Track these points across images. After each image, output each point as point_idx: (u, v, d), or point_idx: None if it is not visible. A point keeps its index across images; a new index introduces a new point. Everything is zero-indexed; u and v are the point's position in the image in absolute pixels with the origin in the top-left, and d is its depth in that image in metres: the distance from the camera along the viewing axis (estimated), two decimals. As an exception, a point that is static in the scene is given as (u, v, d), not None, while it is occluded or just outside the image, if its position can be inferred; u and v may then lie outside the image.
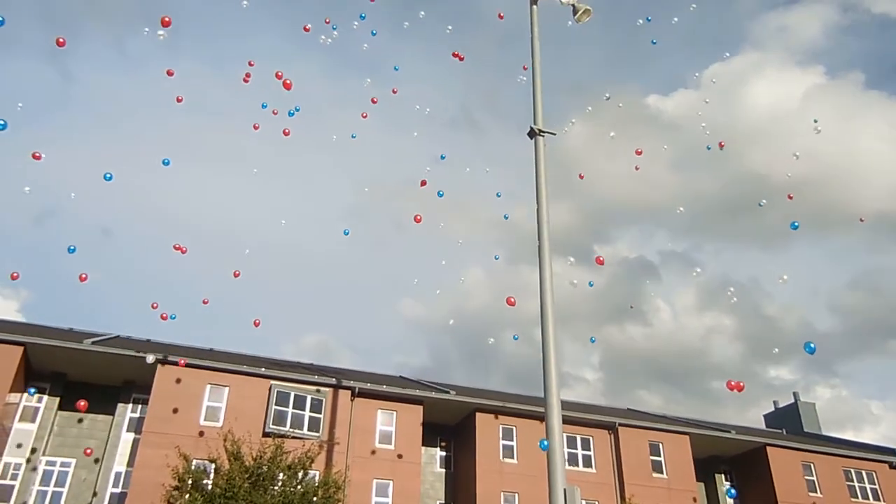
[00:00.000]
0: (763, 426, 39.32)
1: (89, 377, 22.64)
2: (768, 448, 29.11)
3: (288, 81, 15.50)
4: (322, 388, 23.56)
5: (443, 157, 19.10)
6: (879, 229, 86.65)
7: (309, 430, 22.66)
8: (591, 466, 26.49)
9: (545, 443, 9.88)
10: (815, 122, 17.79)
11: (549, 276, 11.93)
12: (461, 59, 17.49)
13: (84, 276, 15.36)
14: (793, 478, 28.80)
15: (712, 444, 29.31)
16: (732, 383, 13.63)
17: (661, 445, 27.74)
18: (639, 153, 18.79)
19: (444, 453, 26.96)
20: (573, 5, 13.43)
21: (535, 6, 13.85)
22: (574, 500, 9.65)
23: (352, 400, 23.89)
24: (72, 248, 15.51)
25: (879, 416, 77.73)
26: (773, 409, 40.68)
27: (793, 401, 39.17)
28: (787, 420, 38.48)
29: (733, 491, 26.96)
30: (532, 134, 13.54)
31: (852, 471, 30.16)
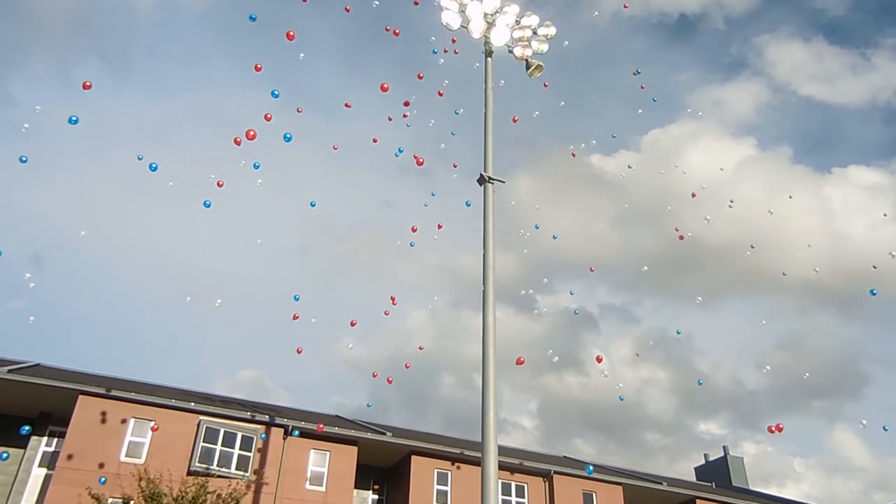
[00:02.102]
0: (694, 479, 39.92)
1: (2, 407, 21.30)
2: (698, 501, 29.48)
3: (252, 134, 14.89)
4: (255, 426, 22.78)
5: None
6: (805, 295, 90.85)
7: (237, 468, 21.78)
8: (524, 515, 26.23)
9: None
10: (731, 202, 18.95)
11: (492, 322, 11.96)
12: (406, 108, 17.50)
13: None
14: (720, 531, 29.18)
15: (644, 495, 29.50)
16: (773, 427, 14.86)
17: (594, 495, 27.75)
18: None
19: (376, 496, 26.28)
20: (526, 60, 13.83)
21: (489, 58, 14.22)
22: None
23: (284, 439, 23.15)
24: None
25: (802, 474, 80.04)
26: (703, 462, 41.42)
27: (722, 454, 40.00)
28: (717, 473, 39.20)
29: None
30: (482, 181, 13.77)
31: (777, 526, 30.80)
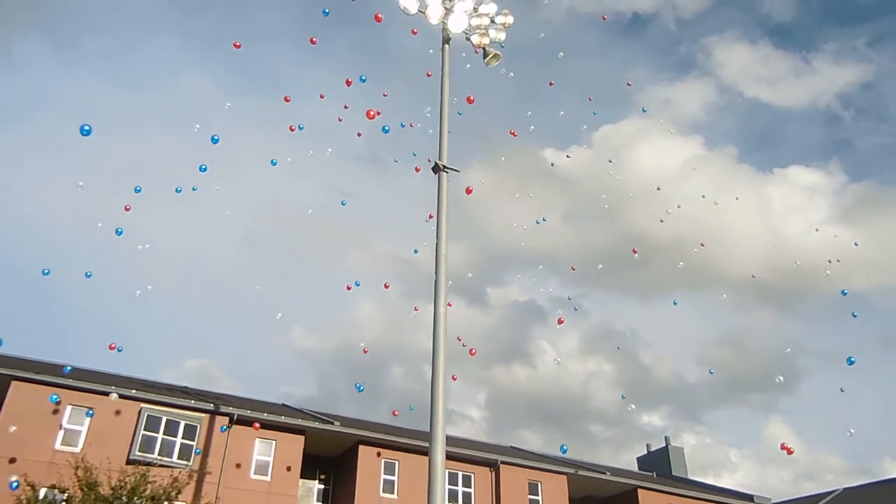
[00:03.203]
0: (636, 469, 40.90)
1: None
2: (639, 490, 30.24)
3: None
4: (198, 414, 22.27)
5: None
6: (745, 292, 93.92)
7: (179, 458, 21.28)
8: (470, 503, 26.45)
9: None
10: (679, 206, 19.55)
11: (443, 311, 11.93)
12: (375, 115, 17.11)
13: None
14: (660, 519, 30.00)
15: (588, 484, 30.09)
16: (786, 445, 16.09)
17: (539, 484, 28.15)
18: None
19: (322, 486, 26.07)
20: (484, 48, 13.78)
21: (447, 45, 14.12)
22: (451, 539, 9.56)
23: (229, 427, 22.70)
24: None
25: (737, 464, 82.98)
26: (645, 452, 42.48)
27: (664, 445, 41.09)
28: (658, 463, 40.26)
29: None
30: (436, 169, 13.70)
31: (713, 514, 31.84)
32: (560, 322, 16.93)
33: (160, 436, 21.28)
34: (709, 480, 38.89)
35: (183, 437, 21.65)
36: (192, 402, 22.42)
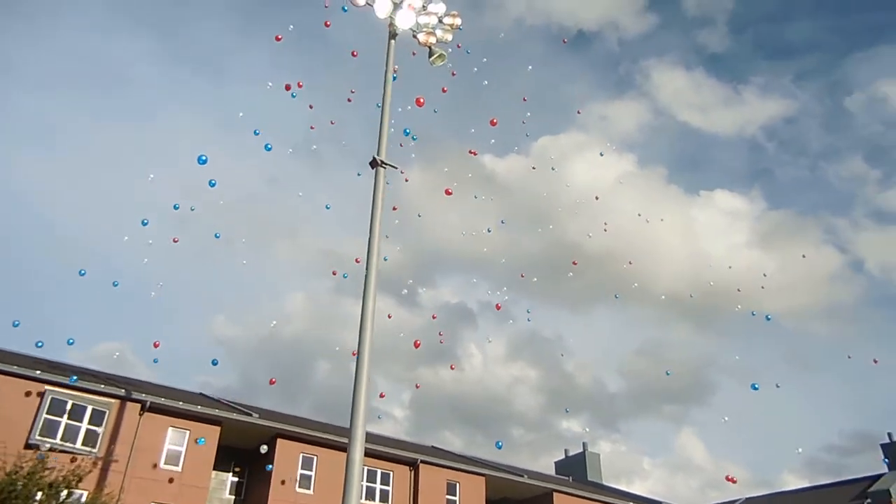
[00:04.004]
0: (553, 473, 41.70)
1: None
2: (555, 493, 30.81)
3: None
4: (108, 399, 21.27)
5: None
6: (667, 307, 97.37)
7: (84, 444, 20.27)
8: (387, 502, 26.29)
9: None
10: (605, 224, 20.53)
11: (371, 307, 11.78)
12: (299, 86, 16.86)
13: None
14: (572, 523, 30.64)
15: (506, 486, 30.44)
16: (730, 476, 17.97)
17: (458, 485, 28.29)
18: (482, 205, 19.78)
19: (236, 479, 25.39)
20: (430, 47, 13.67)
21: (392, 40, 13.95)
22: (363, 538, 9.43)
23: (140, 414, 21.80)
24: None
25: (649, 472, 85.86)
26: (563, 457, 43.38)
27: (582, 450, 42.06)
28: (575, 468, 41.19)
29: None
30: (374, 164, 13.52)
31: (623, 519, 32.78)
32: (498, 308, 17.39)
33: (64, 420, 20.22)
34: (622, 486, 40.07)
35: (89, 423, 20.64)
36: (102, 387, 21.40)
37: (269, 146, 17.29)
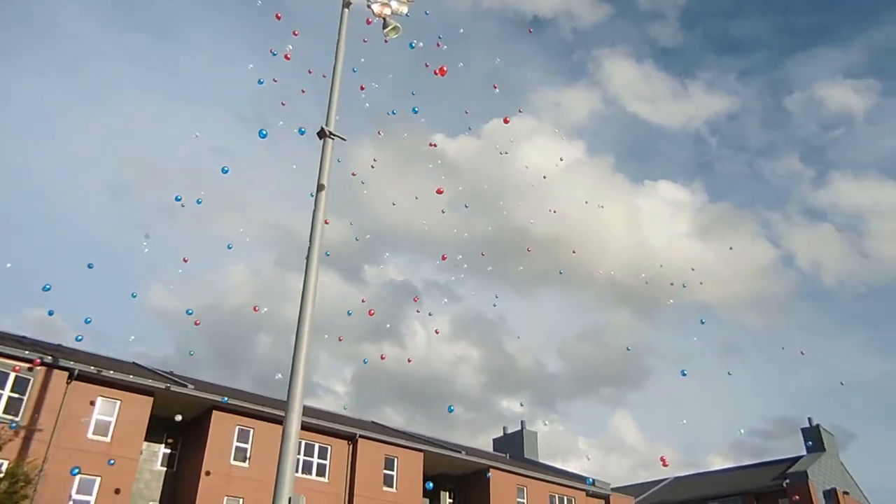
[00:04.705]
0: (491, 450, 42.36)
1: None
2: (491, 469, 31.29)
3: None
4: (32, 366, 20.39)
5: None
6: (608, 293, 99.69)
7: (5, 412, 19.42)
8: (324, 476, 26.20)
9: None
10: (553, 209, 21.10)
11: (313, 279, 11.54)
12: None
13: None
14: (507, 499, 31.24)
15: (444, 462, 30.74)
16: (662, 459, 17.91)
17: (395, 460, 28.40)
18: (440, 192, 19.51)
19: (168, 451, 24.81)
20: (384, 19, 13.33)
21: (346, 9, 13.55)
22: (297, 510, 9.26)
23: (68, 383, 20.99)
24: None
25: (584, 451, 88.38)
26: (501, 434, 44.11)
27: (520, 429, 42.83)
28: (513, 446, 41.95)
29: None
30: (322, 135, 13.18)
31: (556, 496, 33.60)
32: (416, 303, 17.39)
33: (-15, 387, 19.31)
34: (557, 464, 41.00)
35: (11, 391, 19.76)
36: (27, 353, 20.47)
37: (264, 133, 16.82)
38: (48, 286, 15.20)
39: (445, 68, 15.52)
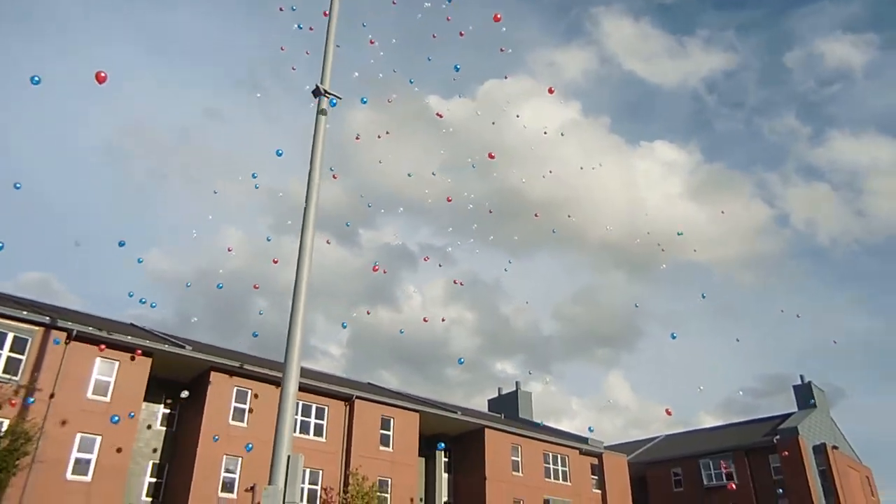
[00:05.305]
0: (486, 410, 42.96)
1: None
2: (486, 430, 31.80)
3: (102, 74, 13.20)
4: (31, 326, 20.45)
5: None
6: (604, 255, 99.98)
7: (5, 372, 19.55)
8: (321, 436, 26.59)
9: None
10: (550, 171, 21.02)
11: (310, 239, 11.54)
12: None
13: None
14: (502, 457, 31.84)
15: (440, 422, 31.20)
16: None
17: (392, 420, 28.80)
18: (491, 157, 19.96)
19: (168, 411, 25.11)
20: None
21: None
22: (296, 467, 9.44)
23: (67, 343, 21.09)
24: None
25: (577, 411, 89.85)
26: (496, 395, 44.68)
27: (514, 389, 43.38)
28: (507, 406, 42.54)
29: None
30: (317, 93, 13.04)
31: (550, 454, 34.24)
32: (426, 259, 17.66)
33: (-17, 347, 19.38)
34: (550, 424, 41.66)
35: (11, 350, 19.85)
36: (25, 314, 20.53)
37: (281, 151, 17.69)
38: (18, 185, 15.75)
39: (499, 15, 16.18)
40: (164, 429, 24.74)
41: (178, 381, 25.17)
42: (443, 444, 24.33)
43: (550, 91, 19.40)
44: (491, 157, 20.67)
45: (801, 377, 44.25)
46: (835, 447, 40.41)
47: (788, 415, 43.14)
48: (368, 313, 28.56)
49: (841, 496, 38.15)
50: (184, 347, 23.89)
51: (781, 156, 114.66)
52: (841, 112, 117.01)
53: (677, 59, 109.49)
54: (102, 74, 13.17)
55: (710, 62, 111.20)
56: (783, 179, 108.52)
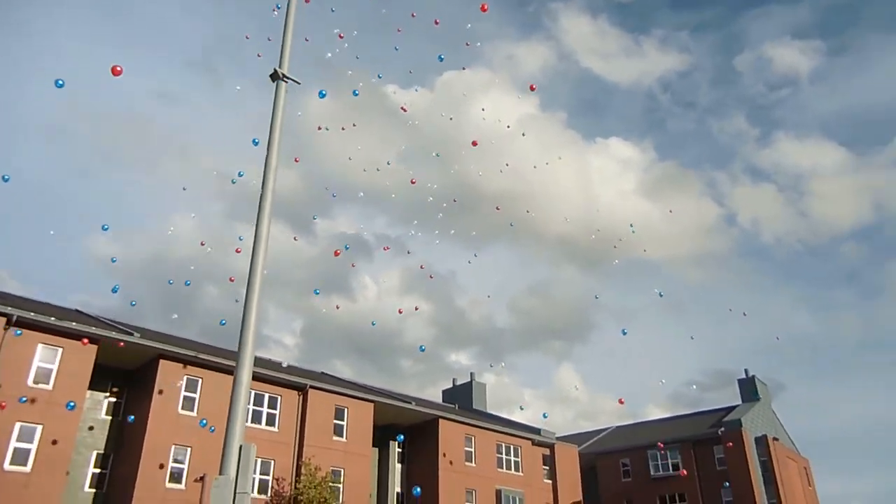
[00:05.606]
0: (441, 401, 43.08)
1: None
2: (440, 420, 31.88)
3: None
4: (-33, 312, 19.57)
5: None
6: (558, 249, 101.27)
7: (-61, 358, 18.68)
8: (274, 425, 26.24)
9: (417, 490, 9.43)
10: (507, 164, 21.26)
11: (266, 224, 11.29)
12: None
13: None
14: (456, 448, 31.98)
15: (394, 413, 31.13)
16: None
17: (346, 410, 28.61)
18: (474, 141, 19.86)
19: (114, 399, 24.38)
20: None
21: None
22: (248, 458, 9.24)
23: (5, 329, 20.26)
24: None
25: (530, 402, 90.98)
26: (451, 385, 44.85)
27: (469, 380, 43.62)
28: (462, 397, 42.76)
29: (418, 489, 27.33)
30: (275, 77, 12.74)
31: (503, 445, 34.55)
32: (386, 249, 17.47)
33: (-85, 332, 18.46)
34: (503, 415, 42.06)
35: (-55, 336, 18.99)
36: (-39, 298, 19.63)
37: (257, 140, 17.01)
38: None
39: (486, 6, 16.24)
40: (110, 418, 24.04)
41: (125, 369, 24.49)
42: (402, 437, 24.29)
43: (532, 88, 19.41)
44: (474, 144, 20.56)
45: (746, 371, 45.70)
46: (775, 439, 41.89)
47: (733, 407, 44.51)
48: (338, 308, 28.33)
49: (780, 486, 39.60)
50: (132, 335, 23.22)
51: (730, 156, 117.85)
52: (787, 116, 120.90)
53: (633, 58, 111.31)
54: (118, 69, 12.91)
55: (664, 62, 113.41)
56: (731, 179, 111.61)
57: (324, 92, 17.62)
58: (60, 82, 13.33)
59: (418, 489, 25.93)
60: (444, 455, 31.06)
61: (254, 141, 17.87)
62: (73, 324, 21.65)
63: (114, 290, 18.89)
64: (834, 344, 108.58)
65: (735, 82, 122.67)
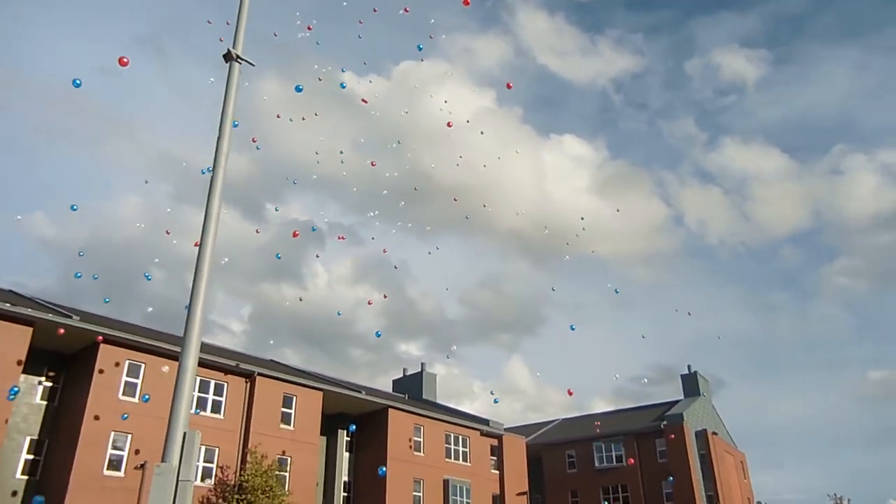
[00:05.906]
0: (391, 391, 42.97)
1: None
2: (390, 410, 31.79)
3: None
4: None
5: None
6: (511, 243, 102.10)
7: None
8: (219, 412, 25.72)
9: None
10: (460, 157, 21.34)
11: (216, 207, 10.96)
12: None
13: None
14: (404, 438, 31.96)
15: (343, 402, 30.89)
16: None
17: (294, 398, 28.24)
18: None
19: (49, 384, 23.47)
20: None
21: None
22: (192, 445, 8.98)
23: (-66, 309, 19.26)
24: None
25: (479, 394, 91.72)
26: (401, 375, 44.79)
27: (419, 370, 43.62)
28: (412, 387, 42.73)
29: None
30: (228, 57, 12.35)
31: (452, 435, 34.70)
32: (341, 238, 17.27)
33: None
34: (452, 405, 42.21)
35: None
36: None
37: (237, 122, 16.31)
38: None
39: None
40: (45, 403, 23.14)
41: (63, 352, 23.60)
42: (353, 426, 24.14)
43: (508, 86, 19.39)
44: (449, 125, 20.45)
45: (689, 367, 46.97)
46: (714, 433, 43.23)
47: (675, 402, 45.73)
48: (301, 300, 27.79)
49: (717, 479, 40.92)
50: (70, 317, 22.37)
51: (679, 158, 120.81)
52: (734, 122, 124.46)
53: (589, 57, 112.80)
54: (125, 60, 12.73)
55: (618, 63, 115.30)
56: (680, 181, 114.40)
57: (300, 86, 17.31)
58: (77, 82, 13.57)
59: (384, 469, 25.92)
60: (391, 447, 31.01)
61: (234, 123, 17.20)
62: (7, 305, 20.72)
63: (76, 276, 18.20)
64: (771, 343, 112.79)
65: (685, 86, 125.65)
